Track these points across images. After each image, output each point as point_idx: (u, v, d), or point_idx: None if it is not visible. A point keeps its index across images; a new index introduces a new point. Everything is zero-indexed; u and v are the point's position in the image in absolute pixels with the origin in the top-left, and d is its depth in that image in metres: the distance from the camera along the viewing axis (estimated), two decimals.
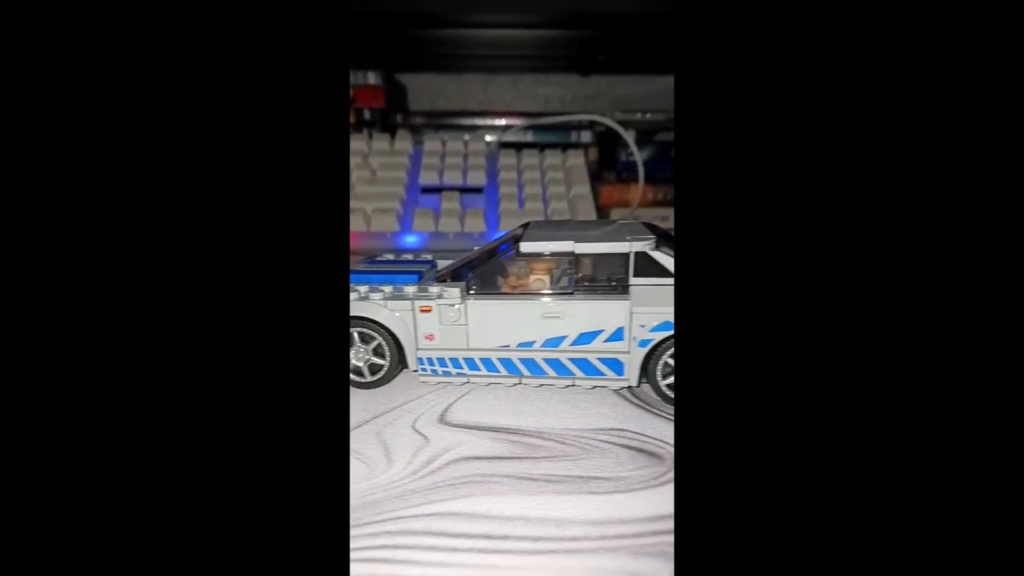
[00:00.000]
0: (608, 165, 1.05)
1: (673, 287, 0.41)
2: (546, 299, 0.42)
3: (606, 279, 0.43)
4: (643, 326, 0.40)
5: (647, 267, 0.41)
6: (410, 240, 0.84)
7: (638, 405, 0.42)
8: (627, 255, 0.41)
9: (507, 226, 0.84)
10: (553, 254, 0.43)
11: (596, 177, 1.04)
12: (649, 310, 0.40)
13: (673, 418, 0.40)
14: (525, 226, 0.50)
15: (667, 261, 0.41)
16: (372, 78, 0.96)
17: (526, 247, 0.43)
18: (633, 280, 0.42)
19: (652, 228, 0.48)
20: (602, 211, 1.03)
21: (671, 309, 0.40)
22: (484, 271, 0.44)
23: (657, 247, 0.42)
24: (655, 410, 0.41)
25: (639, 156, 0.96)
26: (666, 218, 1.03)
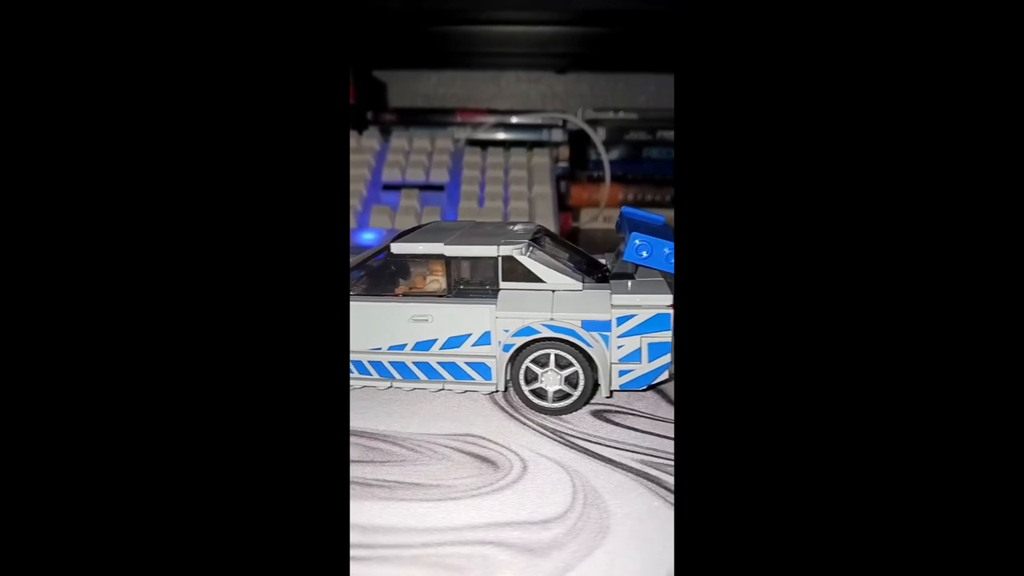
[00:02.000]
0: (581, 164, 1.04)
1: (537, 292, 0.41)
2: (414, 302, 0.42)
3: (479, 283, 0.42)
4: (507, 331, 0.40)
5: (515, 271, 0.41)
6: (367, 237, 0.85)
7: (503, 409, 0.42)
8: (496, 259, 0.41)
9: None
10: (424, 256, 0.43)
11: (569, 176, 1.03)
12: (513, 314, 0.40)
13: (529, 424, 0.39)
14: (421, 225, 0.50)
15: (535, 266, 0.41)
16: None
17: (396, 248, 0.43)
18: (501, 284, 0.41)
19: (547, 233, 0.48)
20: (572, 211, 1.02)
21: (534, 314, 0.39)
22: (368, 271, 0.44)
23: (529, 251, 0.41)
24: (519, 415, 0.41)
25: (605, 156, 0.94)
26: None
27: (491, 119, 1.02)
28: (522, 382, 0.40)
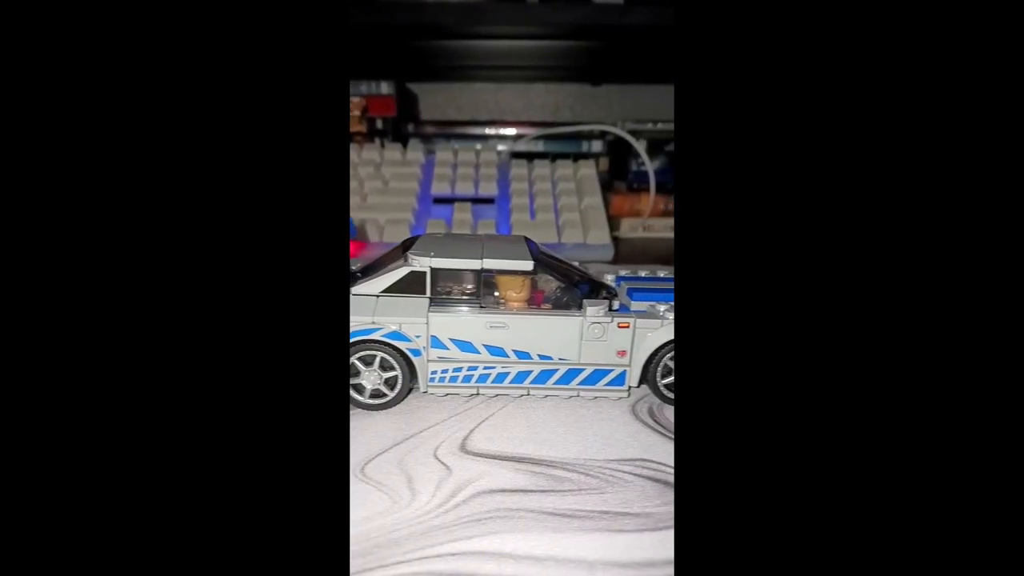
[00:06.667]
0: (619, 175, 1.05)
1: None
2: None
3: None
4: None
5: None
6: None
7: (659, 432, 0.42)
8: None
9: None
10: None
11: (607, 187, 1.04)
12: None
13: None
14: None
15: None
16: (385, 87, 0.95)
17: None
18: None
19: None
20: (612, 221, 1.03)
21: None
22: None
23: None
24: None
25: (651, 166, 0.95)
26: None
27: (534, 131, 1.02)
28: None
